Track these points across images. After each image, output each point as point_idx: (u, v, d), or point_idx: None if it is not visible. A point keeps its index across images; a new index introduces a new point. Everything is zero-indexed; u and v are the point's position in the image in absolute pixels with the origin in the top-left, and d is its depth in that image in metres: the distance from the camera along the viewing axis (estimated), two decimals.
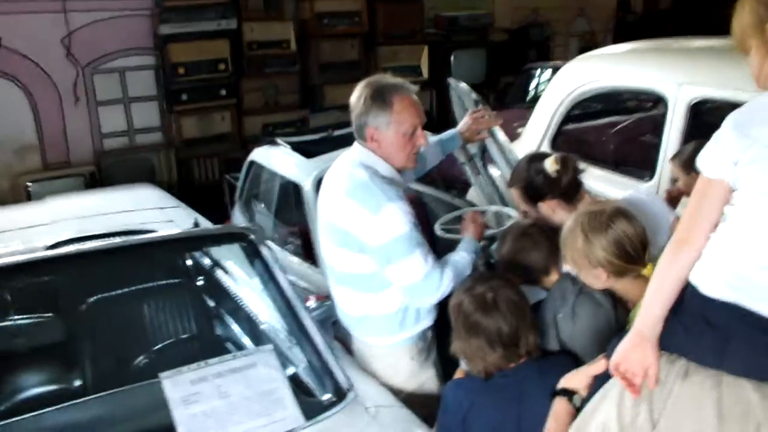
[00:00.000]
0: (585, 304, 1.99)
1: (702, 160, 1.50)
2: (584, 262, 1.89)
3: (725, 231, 1.47)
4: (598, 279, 1.90)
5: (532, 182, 2.30)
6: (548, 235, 2.22)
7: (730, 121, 1.46)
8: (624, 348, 1.56)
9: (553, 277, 2.18)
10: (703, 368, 1.46)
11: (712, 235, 1.48)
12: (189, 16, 6.45)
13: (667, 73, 3.41)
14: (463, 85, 3.00)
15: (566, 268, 2.17)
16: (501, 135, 2.93)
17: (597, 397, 1.65)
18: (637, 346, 1.53)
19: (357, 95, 2.30)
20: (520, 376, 1.93)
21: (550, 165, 2.25)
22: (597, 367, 1.73)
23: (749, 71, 1.48)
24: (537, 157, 2.36)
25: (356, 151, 2.35)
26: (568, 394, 1.78)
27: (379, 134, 2.27)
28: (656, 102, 3.94)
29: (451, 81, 3.04)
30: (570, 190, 2.27)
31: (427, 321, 2.40)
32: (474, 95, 2.96)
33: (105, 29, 6.43)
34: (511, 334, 1.90)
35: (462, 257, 2.34)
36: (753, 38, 1.43)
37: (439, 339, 2.40)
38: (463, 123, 2.78)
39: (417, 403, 2.26)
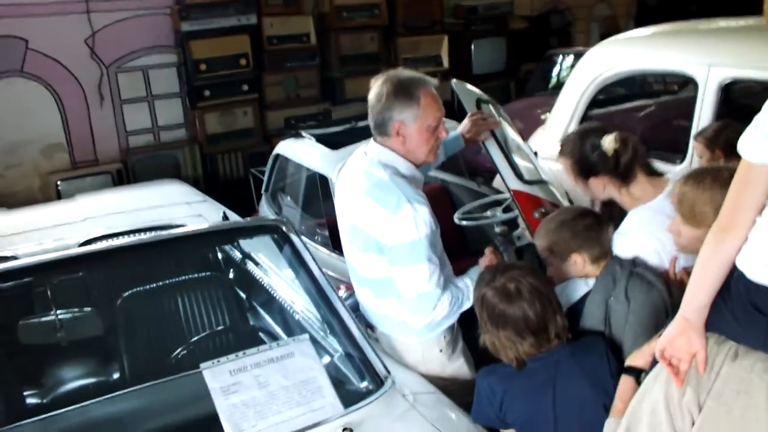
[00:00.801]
0: (638, 286, 1.97)
1: (743, 145, 1.46)
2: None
3: None
4: None
5: (587, 158, 2.20)
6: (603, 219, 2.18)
7: None
8: (669, 334, 1.55)
9: (604, 262, 2.13)
10: (753, 351, 1.44)
11: (758, 219, 1.45)
12: (209, 13, 6.47)
13: (697, 54, 3.36)
14: (467, 87, 2.94)
15: (617, 248, 2.13)
16: (512, 134, 2.88)
17: (650, 378, 1.65)
18: (683, 333, 1.52)
19: (377, 92, 2.26)
20: (552, 360, 1.93)
21: (609, 143, 2.16)
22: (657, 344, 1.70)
23: None
24: (592, 132, 2.25)
25: (374, 149, 2.32)
26: (635, 372, 1.78)
27: (405, 129, 2.24)
28: (685, 84, 3.89)
29: (454, 83, 3.00)
30: (626, 170, 2.17)
31: (453, 318, 2.34)
32: (482, 95, 2.90)
33: (127, 28, 6.48)
34: (539, 320, 1.90)
35: (467, 286, 2.27)
36: None
37: (464, 327, 2.38)
38: (464, 125, 2.73)
39: (451, 392, 2.24)
